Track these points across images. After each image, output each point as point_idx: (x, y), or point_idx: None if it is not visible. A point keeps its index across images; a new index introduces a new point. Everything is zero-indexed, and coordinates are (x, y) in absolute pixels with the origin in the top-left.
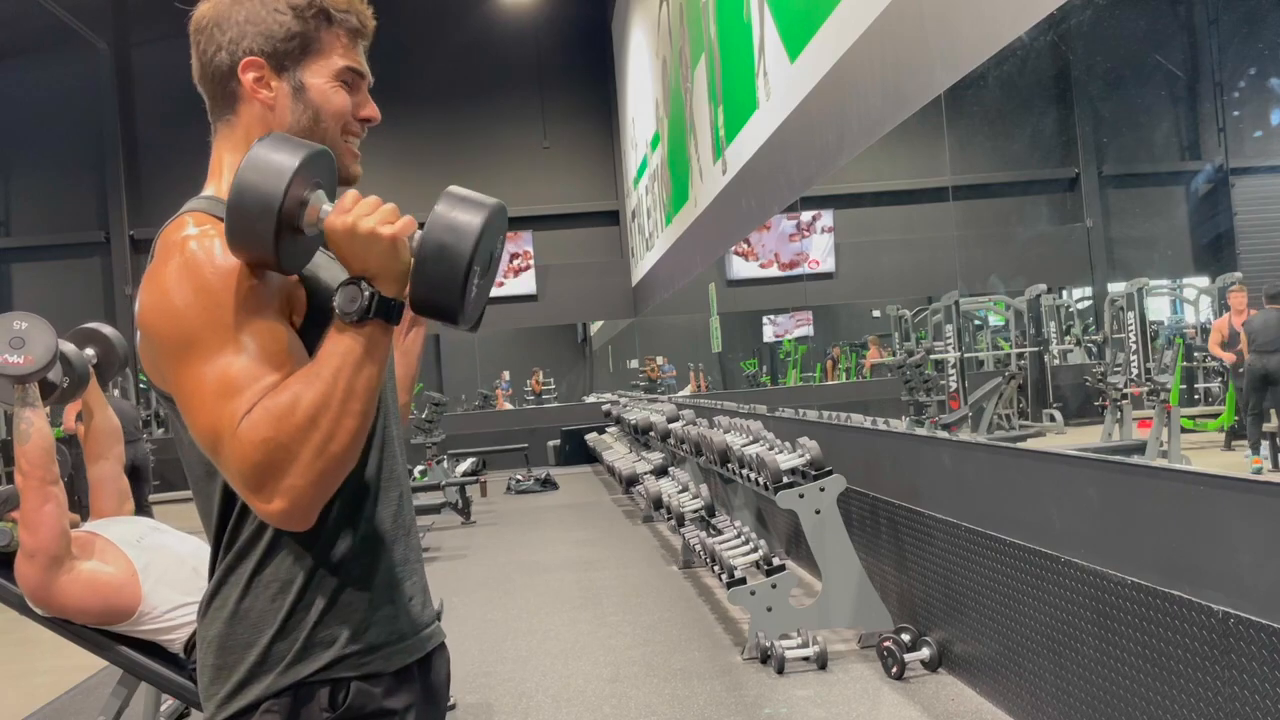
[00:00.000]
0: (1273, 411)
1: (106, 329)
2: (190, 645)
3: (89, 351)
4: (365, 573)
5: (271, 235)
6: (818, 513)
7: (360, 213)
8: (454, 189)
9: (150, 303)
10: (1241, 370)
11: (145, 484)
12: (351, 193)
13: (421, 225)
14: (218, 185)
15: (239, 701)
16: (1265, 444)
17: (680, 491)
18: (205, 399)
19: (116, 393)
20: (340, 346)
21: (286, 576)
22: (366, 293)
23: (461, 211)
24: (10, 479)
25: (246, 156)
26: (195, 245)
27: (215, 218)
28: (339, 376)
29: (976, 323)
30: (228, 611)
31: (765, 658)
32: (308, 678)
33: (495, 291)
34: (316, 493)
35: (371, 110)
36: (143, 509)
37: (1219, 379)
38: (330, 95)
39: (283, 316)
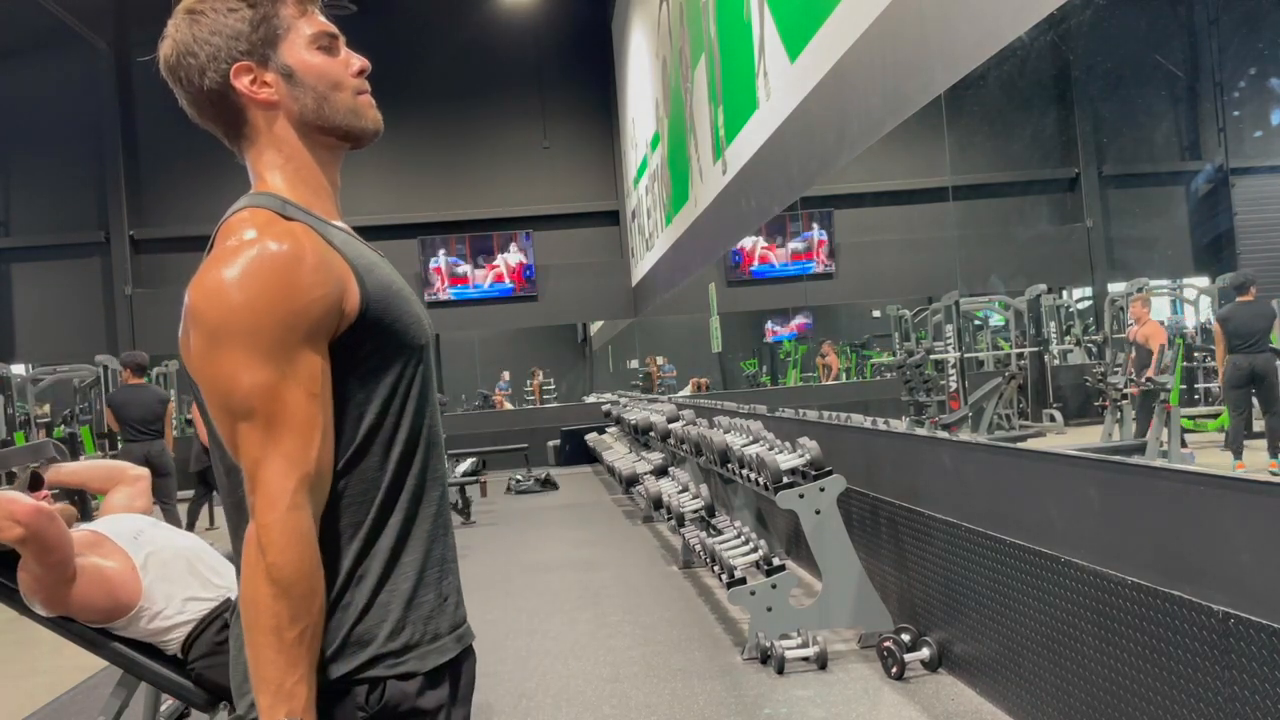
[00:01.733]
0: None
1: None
2: (188, 645)
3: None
4: (404, 571)
5: None
6: (818, 513)
7: None
8: None
9: (208, 290)
10: (1142, 387)
11: (164, 479)
12: None
13: None
14: (266, 188)
15: None
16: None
17: (680, 491)
18: (248, 389)
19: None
20: (277, 689)
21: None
22: None
23: None
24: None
25: None
26: (259, 250)
27: (275, 212)
28: (256, 662)
29: (976, 323)
30: None
31: (765, 658)
32: (344, 676)
33: (495, 292)
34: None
35: (361, 61)
36: (165, 504)
37: (1219, 379)
38: (319, 67)
39: (329, 334)
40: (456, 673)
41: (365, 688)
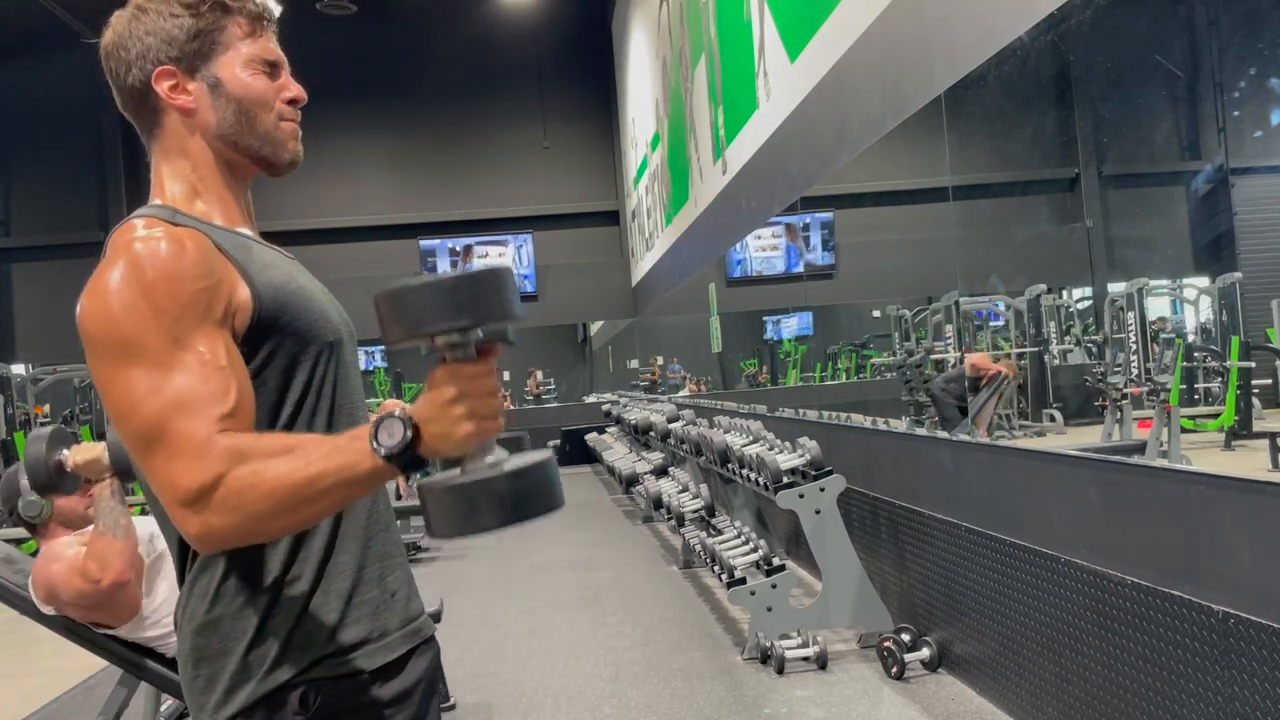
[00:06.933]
0: (1269, 412)
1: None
2: None
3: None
4: (340, 571)
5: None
6: (818, 513)
7: (468, 390)
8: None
9: (90, 305)
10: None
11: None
12: (481, 367)
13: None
14: (163, 198)
15: (226, 710)
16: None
17: (680, 491)
18: (144, 404)
19: None
20: (346, 457)
21: (253, 583)
22: (408, 438)
23: (526, 500)
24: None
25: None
26: (141, 247)
27: (164, 220)
28: (322, 479)
29: (976, 322)
30: (196, 624)
31: (765, 658)
32: (286, 683)
33: None
34: (232, 541)
35: (296, 91)
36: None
37: (1219, 379)
38: (247, 84)
39: (225, 323)
40: (407, 666)
41: (300, 691)
